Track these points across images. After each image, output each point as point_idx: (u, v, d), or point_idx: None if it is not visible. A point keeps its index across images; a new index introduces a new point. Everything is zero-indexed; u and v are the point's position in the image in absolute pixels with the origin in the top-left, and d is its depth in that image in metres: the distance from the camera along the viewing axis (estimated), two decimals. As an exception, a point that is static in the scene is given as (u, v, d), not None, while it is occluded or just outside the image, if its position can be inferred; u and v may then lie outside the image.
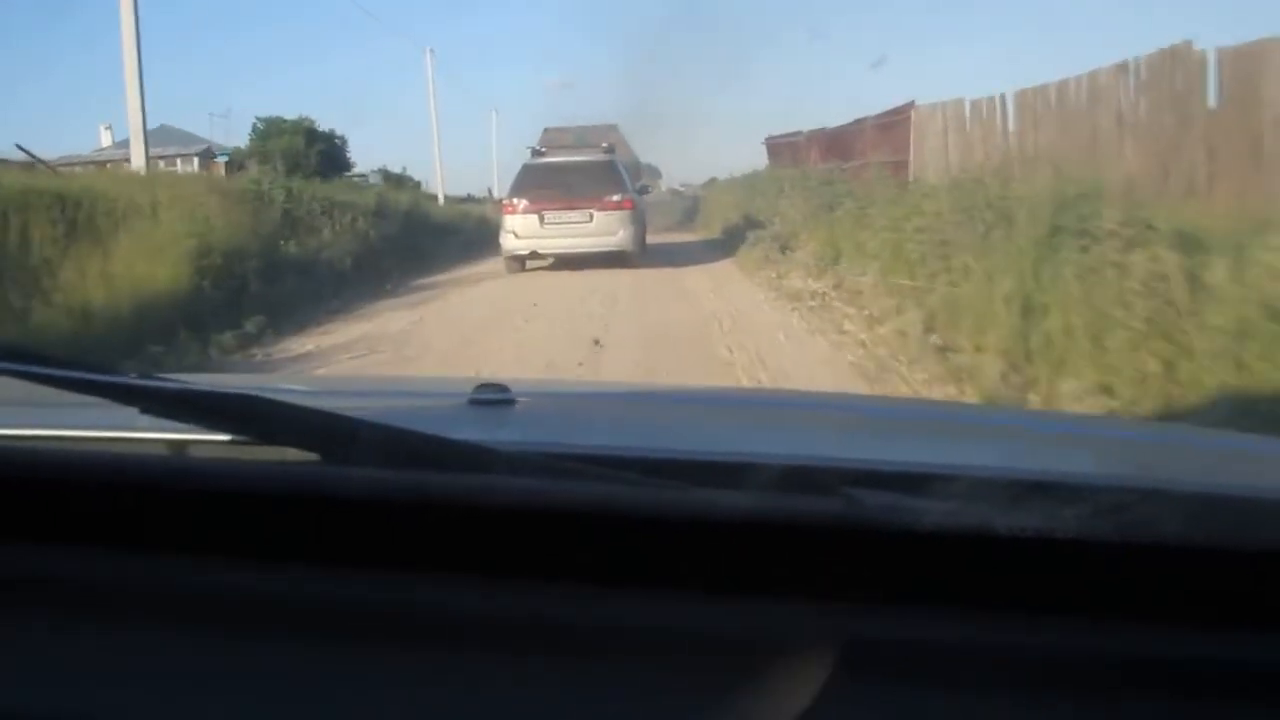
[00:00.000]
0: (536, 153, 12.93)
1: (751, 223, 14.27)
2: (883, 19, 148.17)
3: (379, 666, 0.53)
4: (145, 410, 0.68)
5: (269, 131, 40.99)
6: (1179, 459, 0.97)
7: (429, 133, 36.32)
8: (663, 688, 0.52)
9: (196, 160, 35.63)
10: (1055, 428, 1.28)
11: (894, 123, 12.39)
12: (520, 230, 11.85)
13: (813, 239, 10.22)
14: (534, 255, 11.90)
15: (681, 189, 72.01)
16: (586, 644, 0.54)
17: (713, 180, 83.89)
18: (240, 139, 41.24)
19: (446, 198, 40.06)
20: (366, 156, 68.92)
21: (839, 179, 12.53)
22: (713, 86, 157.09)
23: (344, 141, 43.75)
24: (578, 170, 12.16)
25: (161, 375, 0.72)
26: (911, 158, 11.52)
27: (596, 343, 6.78)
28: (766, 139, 20.08)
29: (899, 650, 0.53)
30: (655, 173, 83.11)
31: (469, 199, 45.22)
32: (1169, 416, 3.69)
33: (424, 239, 15.26)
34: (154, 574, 0.59)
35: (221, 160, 38.67)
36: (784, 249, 11.06)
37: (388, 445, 0.60)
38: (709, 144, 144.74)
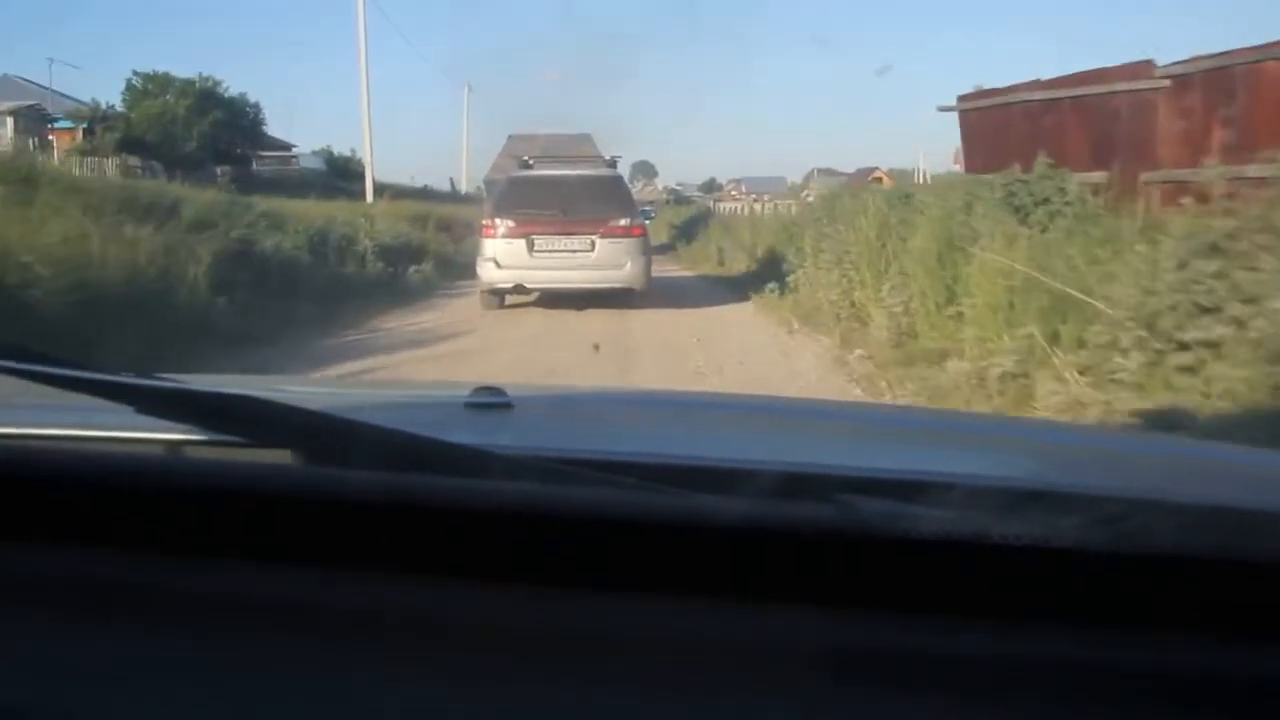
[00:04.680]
0: (523, 164, 10.30)
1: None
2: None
3: (374, 669, 0.51)
4: (141, 410, 0.67)
5: (149, 90, 29.79)
6: (1176, 470, 0.94)
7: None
8: (656, 693, 0.51)
9: (12, 122, 23.56)
10: (1052, 437, 1.24)
11: None
12: (503, 258, 9.14)
13: None
14: (519, 290, 9.24)
15: (679, 188, 64.37)
16: (580, 649, 0.53)
17: (712, 181, 74.29)
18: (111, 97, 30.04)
19: (387, 189, 28.54)
20: (310, 134, 57.14)
21: None
22: (714, 76, 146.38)
23: (257, 110, 32.74)
24: (576, 186, 9.55)
25: (157, 375, 0.72)
26: None
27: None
28: (969, 98, 8.80)
29: (893, 658, 0.52)
30: (650, 170, 74.00)
31: (425, 192, 34.70)
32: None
33: None
34: (148, 575, 0.57)
35: (67, 127, 27.18)
36: None
37: (384, 448, 0.60)
38: (711, 139, 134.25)
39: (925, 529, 0.50)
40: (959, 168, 10.74)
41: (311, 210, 14.11)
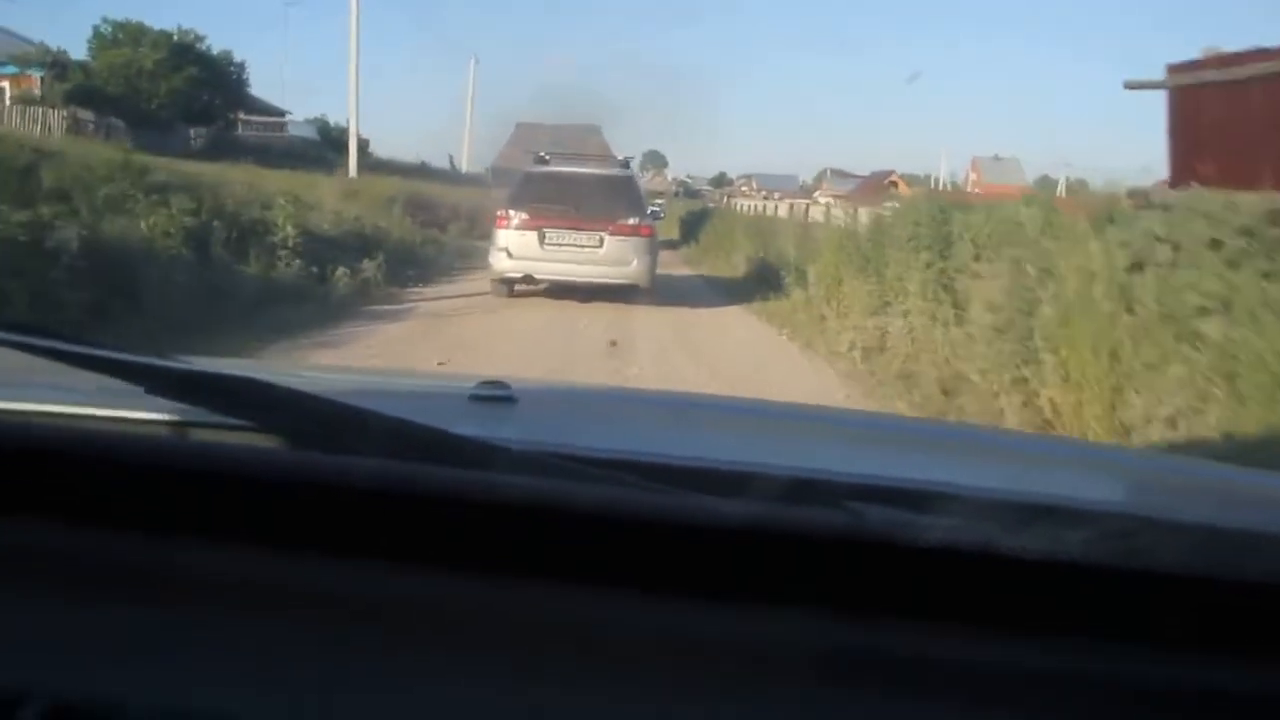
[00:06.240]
0: (539, 159, 10.25)
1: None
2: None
3: (374, 658, 0.51)
4: (150, 390, 0.66)
5: (119, 40, 26.65)
6: (1183, 489, 0.95)
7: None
8: (658, 692, 0.50)
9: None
10: (1060, 452, 1.25)
11: None
12: (515, 249, 9.32)
13: None
14: (528, 280, 9.48)
15: (689, 180, 61.63)
16: (582, 645, 0.53)
17: (722, 175, 70.86)
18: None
19: (382, 164, 25.68)
20: (307, 102, 53.90)
21: None
22: (730, 69, 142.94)
23: (241, 70, 29.56)
24: (589, 184, 9.67)
25: (166, 356, 0.71)
26: None
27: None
28: (1191, 67, 5.76)
29: (896, 663, 0.52)
30: (660, 160, 71.18)
31: (422, 169, 31.76)
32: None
33: None
34: (151, 556, 0.56)
35: (12, 73, 24.03)
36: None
37: (391, 437, 0.59)
38: (723, 133, 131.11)
39: (932, 538, 0.50)
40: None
41: (268, 182, 11.18)
